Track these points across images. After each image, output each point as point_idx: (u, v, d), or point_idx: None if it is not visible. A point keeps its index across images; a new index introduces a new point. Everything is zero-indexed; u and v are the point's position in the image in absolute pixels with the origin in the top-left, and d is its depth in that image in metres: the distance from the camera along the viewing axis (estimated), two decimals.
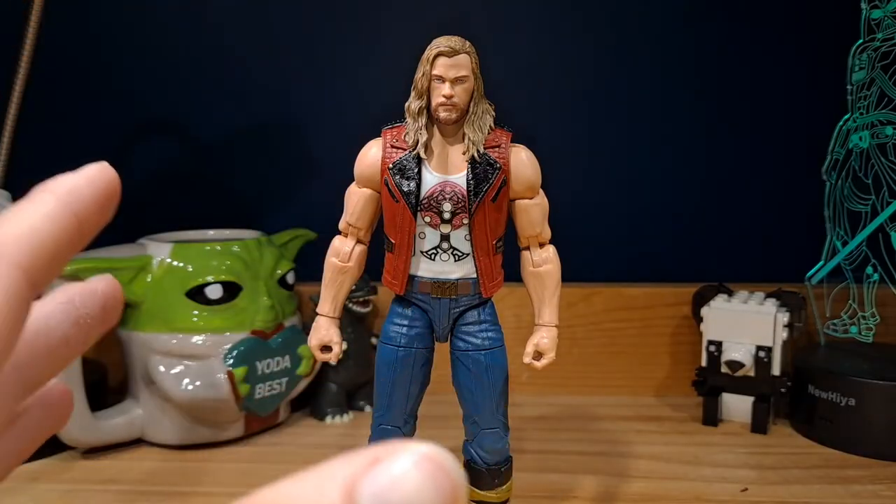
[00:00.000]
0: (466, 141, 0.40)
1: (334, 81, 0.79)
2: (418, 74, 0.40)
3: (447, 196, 0.40)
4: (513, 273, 0.44)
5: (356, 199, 0.42)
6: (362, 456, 0.14)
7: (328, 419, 0.69)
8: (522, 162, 0.41)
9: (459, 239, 0.41)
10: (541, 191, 0.42)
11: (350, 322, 0.69)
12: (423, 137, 0.40)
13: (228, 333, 0.62)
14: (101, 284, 0.22)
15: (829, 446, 0.62)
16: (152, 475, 0.58)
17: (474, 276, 0.42)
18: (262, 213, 0.81)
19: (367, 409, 0.70)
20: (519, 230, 0.43)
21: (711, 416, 0.67)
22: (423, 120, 0.40)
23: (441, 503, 0.14)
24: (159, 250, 0.63)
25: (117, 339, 0.64)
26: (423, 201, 0.40)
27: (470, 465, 0.44)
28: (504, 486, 0.44)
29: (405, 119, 0.41)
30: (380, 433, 0.43)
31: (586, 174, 0.80)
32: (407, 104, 0.40)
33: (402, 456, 0.14)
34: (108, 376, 0.70)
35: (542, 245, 0.43)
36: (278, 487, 0.14)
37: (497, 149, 0.40)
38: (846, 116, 0.65)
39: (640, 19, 0.78)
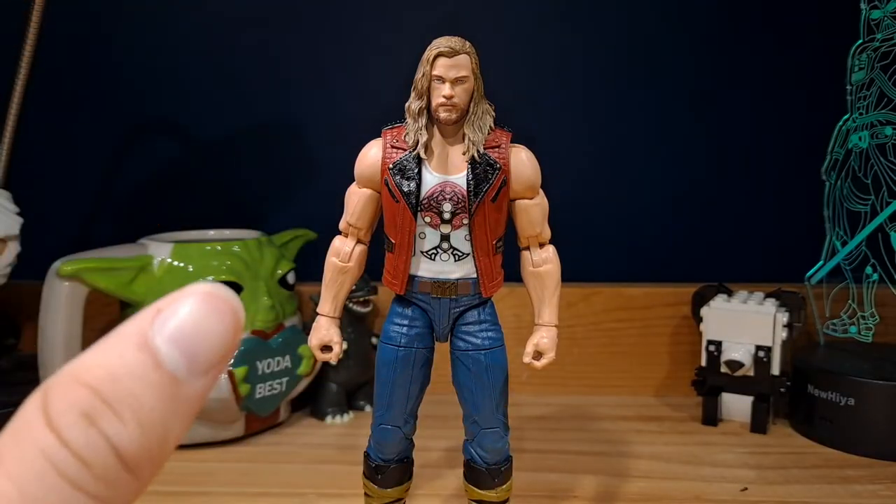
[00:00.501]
0: (466, 141, 0.40)
1: (334, 81, 0.80)
2: (418, 75, 0.40)
3: (447, 196, 0.40)
4: (513, 273, 0.44)
5: (356, 199, 0.42)
6: (146, 312, 0.16)
7: (328, 419, 0.69)
8: (522, 162, 0.41)
9: (459, 239, 0.41)
10: (541, 191, 0.42)
11: (350, 322, 0.69)
12: (423, 138, 0.40)
13: None
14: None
15: (828, 446, 0.62)
16: None
17: (474, 276, 0.42)
18: (263, 213, 0.81)
19: (368, 408, 0.71)
20: (519, 230, 0.43)
21: (711, 416, 0.67)
22: (423, 120, 0.40)
23: (225, 328, 0.16)
24: (160, 250, 0.63)
25: None
26: (424, 201, 0.40)
27: (470, 465, 0.44)
28: (504, 486, 0.44)
29: (405, 119, 0.41)
30: (380, 433, 0.43)
31: (586, 174, 0.80)
32: (407, 104, 0.40)
33: (183, 300, 0.16)
34: None
35: (542, 245, 0.43)
36: (80, 360, 0.15)
37: (497, 149, 0.40)
38: (846, 116, 0.65)
39: (639, 19, 0.78)
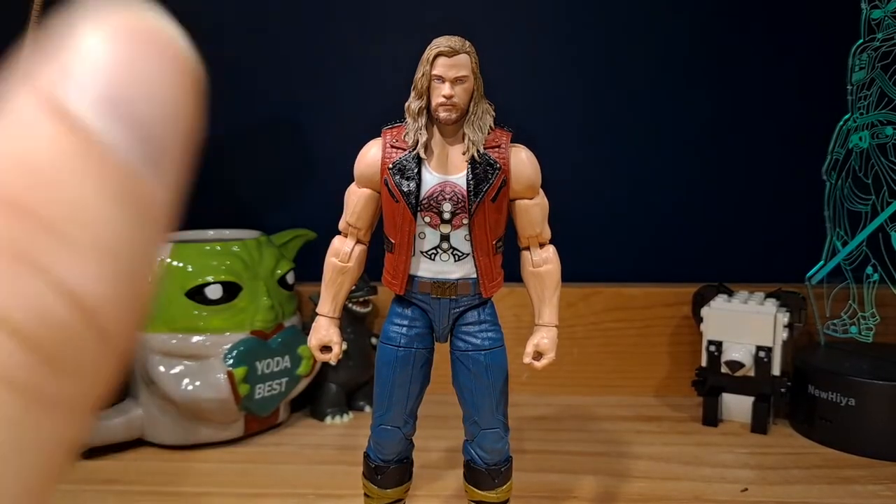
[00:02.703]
0: (466, 141, 0.40)
1: (334, 81, 0.79)
2: (418, 74, 0.40)
3: (447, 196, 0.40)
4: (513, 273, 0.44)
5: (356, 199, 0.42)
6: (24, 56, 0.09)
7: (328, 419, 0.69)
8: (522, 162, 0.41)
9: (459, 239, 0.41)
10: (541, 191, 0.42)
11: (350, 322, 0.69)
12: (423, 137, 0.40)
13: (228, 333, 0.62)
14: None
15: (829, 446, 0.62)
16: (152, 475, 0.58)
17: (474, 276, 0.42)
18: (262, 213, 0.81)
19: (367, 409, 0.70)
20: (519, 230, 0.43)
21: (711, 416, 0.67)
22: (422, 120, 0.40)
23: (172, 79, 0.10)
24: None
25: None
26: (423, 201, 0.40)
27: (470, 466, 0.44)
28: (504, 487, 0.44)
29: (405, 119, 0.41)
30: (380, 433, 0.43)
31: (586, 174, 0.79)
32: (407, 104, 0.40)
33: (90, 33, 0.09)
34: None
35: (542, 245, 0.43)
36: None
37: (497, 149, 0.40)
38: (846, 116, 0.65)
39: (639, 19, 0.78)
